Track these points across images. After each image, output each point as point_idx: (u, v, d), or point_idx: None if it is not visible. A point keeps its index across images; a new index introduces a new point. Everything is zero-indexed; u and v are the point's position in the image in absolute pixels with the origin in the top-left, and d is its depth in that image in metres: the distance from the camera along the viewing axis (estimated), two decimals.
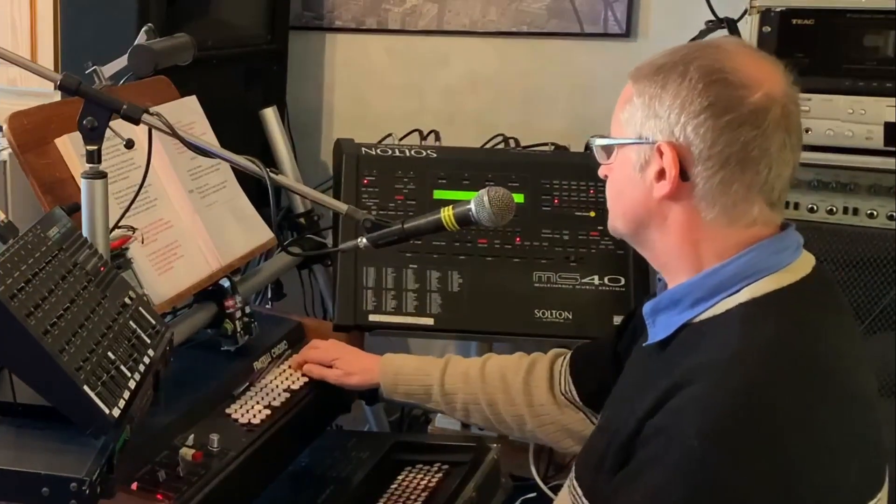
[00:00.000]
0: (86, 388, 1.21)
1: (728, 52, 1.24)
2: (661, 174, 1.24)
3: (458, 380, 1.78)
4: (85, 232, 1.57)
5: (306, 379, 1.89)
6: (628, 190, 1.30)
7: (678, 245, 1.27)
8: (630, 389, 1.35)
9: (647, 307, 1.33)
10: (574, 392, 1.70)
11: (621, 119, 1.30)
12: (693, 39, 2.22)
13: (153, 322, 1.48)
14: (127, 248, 1.70)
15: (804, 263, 1.27)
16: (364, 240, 1.66)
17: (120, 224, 1.69)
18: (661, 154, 1.23)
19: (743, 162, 1.21)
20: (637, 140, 1.26)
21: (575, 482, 1.34)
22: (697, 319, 1.25)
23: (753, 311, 1.21)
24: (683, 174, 1.23)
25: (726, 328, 1.21)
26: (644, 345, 1.34)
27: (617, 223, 1.35)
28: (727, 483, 1.09)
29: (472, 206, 1.57)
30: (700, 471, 1.09)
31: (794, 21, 1.98)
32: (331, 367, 1.89)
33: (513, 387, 1.75)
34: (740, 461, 1.09)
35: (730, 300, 1.23)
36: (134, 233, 1.72)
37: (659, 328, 1.30)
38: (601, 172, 1.36)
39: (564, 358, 1.76)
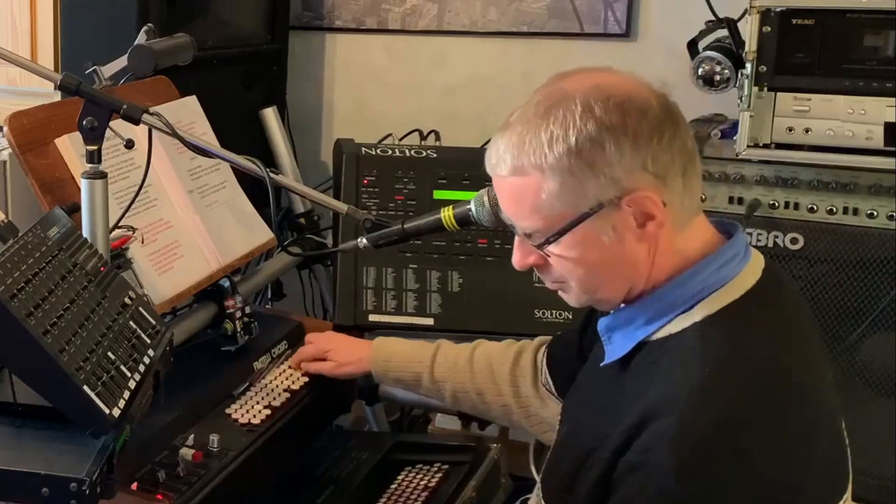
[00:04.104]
0: (86, 388, 1.21)
1: (588, 85, 1.21)
2: (644, 217, 1.19)
3: (447, 368, 1.76)
4: (85, 232, 1.57)
5: (306, 379, 1.89)
6: (614, 261, 1.22)
7: (644, 274, 1.25)
8: (594, 411, 1.32)
9: (602, 324, 1.32)
10: (551, 384, 1.67)
11: (542, 206, 1.20)
12: (692, 40, 2.23)
13: (153, 322, 1.48)
14: (127, 248, 1.70)
15: (754, 268, 1.26)
16: (364, 240, 1.66)
17: (120, 224, 1.69)
18: (630, 204, 1.18)
19: (691, 158, 1.22)
20: (592, 210, 1.18)
21: (543, 502, 1.34)
22: (655, 337, 1.24)
23: (709, 331, 1.20)
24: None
25: (685, 351, 1.19)
26: (601, 364, 1.32)
27: (612, 297, 1.27)
28: None
29: (472, 206, 1.57)
30: None
31: (794, 21, 1.98)
32: (325, 359, 1.88)
33: (499, 376, 1.72)
34: (717, 496, 1.10)
35: (685, 317, 1.22)
36: (134, 233, 1.72)
37: (616, 346, 1.29)
38: (535, 262, 1.28)
39: (545, 348, 1.73)
